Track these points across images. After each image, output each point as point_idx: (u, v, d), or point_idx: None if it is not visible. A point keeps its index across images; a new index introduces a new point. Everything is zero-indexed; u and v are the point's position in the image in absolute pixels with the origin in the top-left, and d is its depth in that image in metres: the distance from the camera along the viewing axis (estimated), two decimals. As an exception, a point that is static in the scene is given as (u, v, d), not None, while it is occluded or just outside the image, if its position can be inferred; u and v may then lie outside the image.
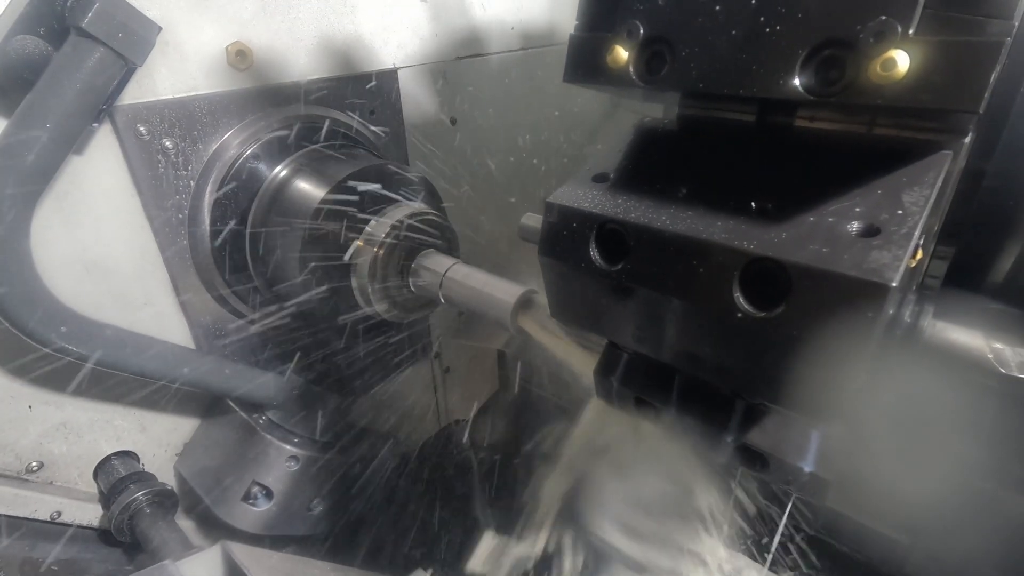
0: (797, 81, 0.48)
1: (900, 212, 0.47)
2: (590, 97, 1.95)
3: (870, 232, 0.46)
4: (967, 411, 0.56)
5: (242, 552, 1.03)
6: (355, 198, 1.08)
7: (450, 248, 1.17)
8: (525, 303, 0.94)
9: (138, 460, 1.25)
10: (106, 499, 1.17)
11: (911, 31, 0.43)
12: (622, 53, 0.57)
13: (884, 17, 0.44)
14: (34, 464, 1.12)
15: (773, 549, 1.04)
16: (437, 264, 1.07)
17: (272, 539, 1.31)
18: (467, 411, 1.93)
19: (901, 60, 0.43)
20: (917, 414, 0.57)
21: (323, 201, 1.06)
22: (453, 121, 1.55)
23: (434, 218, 1.13)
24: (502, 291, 0.96)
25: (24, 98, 0.85)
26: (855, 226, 0.47)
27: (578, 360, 0.92)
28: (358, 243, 1.08)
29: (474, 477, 1.93)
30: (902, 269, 0.43)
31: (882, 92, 0.45)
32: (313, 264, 1.07)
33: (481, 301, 0.98)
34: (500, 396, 1.99)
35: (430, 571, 1.39)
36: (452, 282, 1.03)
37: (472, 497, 1.87)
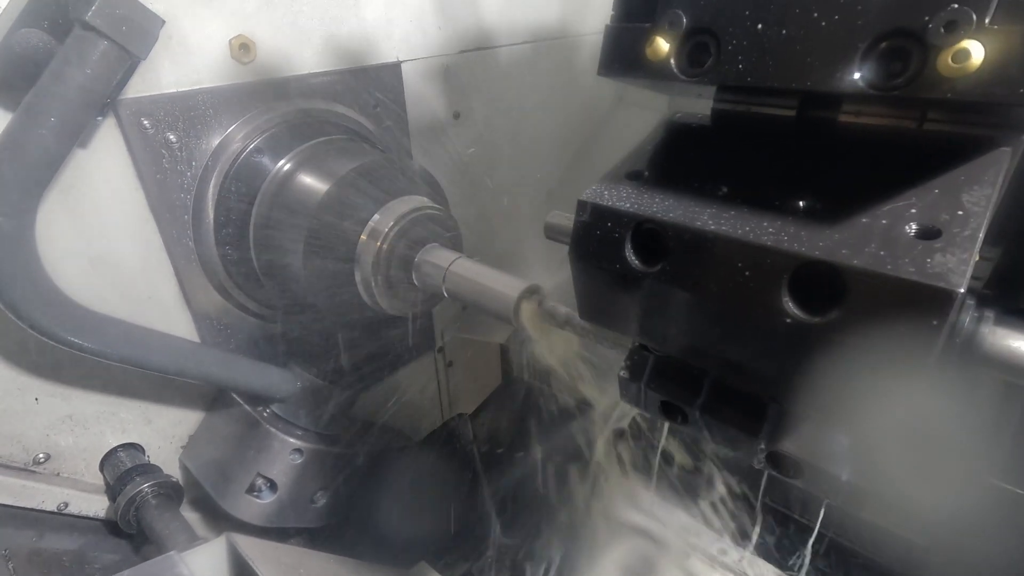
0: (857, 75, 0.45)
1: (961, 213, 0.44)
2: (596, 91, 1.94)
3: (930, 234, 0.44)
4: (1006, 415, 0.54)
5: (247, 544, 1.04)
6: (358, 192, 1.07)
7: (453, 242, 1.17)
8: (528, 297, 0.94)
9: (144, 452, 1.26)
10: (112, 491, 1.18)
11: (987, 20, 0.40)
12: (663, 45, 0.54)
13: (957, 5, 0.40)
14: (41, 456, 1.13)
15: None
16: (440, 258, 1.07)
17: (277, 531, 1.32)
18: (470, 405, 1.94)
19: (975, 51, 0.40)
20: (948, 418, 0.54)
21: (327, 195, 1.06)
22: (457, 115, 1.55)
23: (437, 212, 1.13)
24: (505, 285, 0.96)
25: (28, 92, 0.85)
26: (913, 227, 0.45)
27: (580, 355, 0.92)
28: (362, 237, 1.08)
29: (477, 471, 1.93)
30: (968, 274, 0.41)
31: (953, 86, 0.42)
32: (317, 258, 1.07)
33: (484, 295, 0.98)
34: (503, 390, 1.99)
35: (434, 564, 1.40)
36: (455, 276, 1.03)
37: (475, 491, 1.88)
